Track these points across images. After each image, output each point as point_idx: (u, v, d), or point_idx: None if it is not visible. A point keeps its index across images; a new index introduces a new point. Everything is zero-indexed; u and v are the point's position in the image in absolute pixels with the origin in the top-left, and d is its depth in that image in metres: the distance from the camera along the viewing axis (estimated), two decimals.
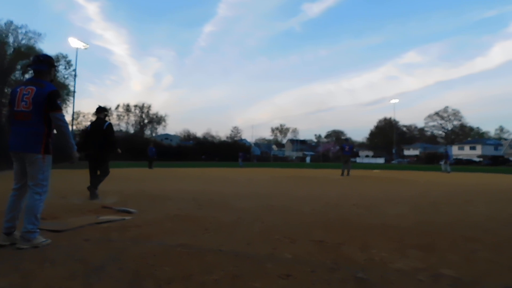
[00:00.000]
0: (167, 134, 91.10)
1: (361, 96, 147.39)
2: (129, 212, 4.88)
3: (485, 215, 5.22)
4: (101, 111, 7.10)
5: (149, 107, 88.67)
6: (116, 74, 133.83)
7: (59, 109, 3.20)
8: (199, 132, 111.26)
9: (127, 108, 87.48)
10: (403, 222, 4.48)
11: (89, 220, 4.23)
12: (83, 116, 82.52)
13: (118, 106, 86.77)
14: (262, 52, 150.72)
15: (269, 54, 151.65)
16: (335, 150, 17.85)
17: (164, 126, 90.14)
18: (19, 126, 3.13)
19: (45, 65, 3.33)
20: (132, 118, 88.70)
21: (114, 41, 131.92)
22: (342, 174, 16.11)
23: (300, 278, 2.31)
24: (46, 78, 3.31)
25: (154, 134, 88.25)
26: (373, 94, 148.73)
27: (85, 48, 35.79)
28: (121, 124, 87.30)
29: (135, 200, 6.37)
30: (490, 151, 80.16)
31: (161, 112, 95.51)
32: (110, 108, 11.73)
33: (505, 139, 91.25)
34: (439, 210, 5.73)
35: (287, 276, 2.34)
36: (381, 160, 77.54)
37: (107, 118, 7.20)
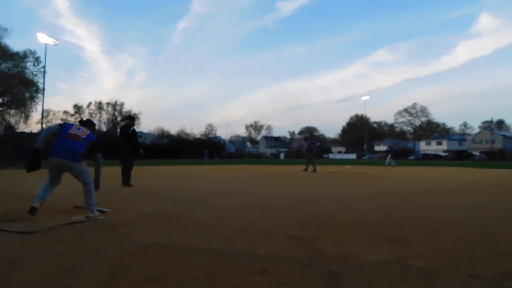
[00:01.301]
0: (140, 132, 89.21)
1: (334, 93, 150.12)
2: (102, 212, 4.77)
3: (451, 208, 5.45)
4: (130, 118, 9.26)
5: (122, 104, 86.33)
6: (88, 71, 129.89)
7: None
8: (173, 129, 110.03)
9: (99, 106, 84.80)
10: (374, 216, 4.62)
11: (61, 221, 4.11)
12: (53, 114, 79.62)
13: (90, 103, 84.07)
14: (237, 49, 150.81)
15: (244, 52, 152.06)
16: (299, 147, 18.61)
17: (138, 124, 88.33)
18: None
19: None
20: (105, 116, 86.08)
21: (86, 37, 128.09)
22: (306, 170, 16.81)
23: (275, 273, 2.34)
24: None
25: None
26: (345, 91, 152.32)
27: (55, 44, 34.42)
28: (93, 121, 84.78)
29: (108, 199, 6.23)
30: (455, 146, 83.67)
31: (135, 110, 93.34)
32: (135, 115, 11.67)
33: (469, 135, 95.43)
34: (408, 204, 5.93)
35: (263, 272, 2.37)
36: (353, 156, 79.16)
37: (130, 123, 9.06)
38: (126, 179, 8.70)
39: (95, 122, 5.63)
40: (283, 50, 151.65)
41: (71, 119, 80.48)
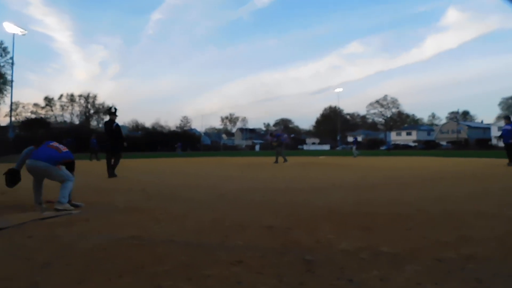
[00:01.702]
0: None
1: (308, 85, 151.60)
2: (76, 206, 4.67)
3: (418, 195, 5.67)
4: (111, 114, 9.51)
5: (94, 97, 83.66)
6: (58, 62, 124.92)
7: None
8: (147, 122, 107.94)
9: (71, 98, 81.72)
10: (346, 205, 4.75)
11: (32, 216, 3.98)
12: (23, 107, 76.31)
13: (61, 96, 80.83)
14: (211, 41, 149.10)
15: (218, 43, 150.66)
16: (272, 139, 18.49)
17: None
18: None
19: None
20: (77, 109, 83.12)
21: (56, 27, 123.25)
22: (276, 161, 16.96)
23: (250, 263, 2.38)
24: None
25: (100, 125, 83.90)
26: (319, 83, 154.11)
27: (23, 34, 32.94)
28: (65, 115, 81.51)
29: (81, 193, 6.08)
30: (424, 136, 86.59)
31: (108, 102, 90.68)
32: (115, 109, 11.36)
33: (436, 125, 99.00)
34: (378, 192, 6.12)
35: (238, 262, 2.40)
36: (326, 147, 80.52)
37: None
38: (111, 171, 9.21)
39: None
40: (257, 42, 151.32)
41: (41, 112, 77.58)
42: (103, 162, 15.17)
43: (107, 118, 9.82)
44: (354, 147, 26.75)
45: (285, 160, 16.90)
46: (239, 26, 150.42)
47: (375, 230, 3.32)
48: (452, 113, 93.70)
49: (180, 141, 46.72)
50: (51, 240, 3.01)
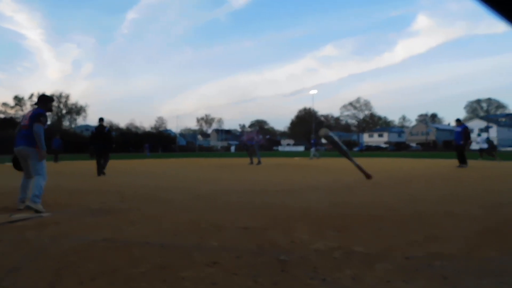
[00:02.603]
0: (87, 125, 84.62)
1: (283, 86, 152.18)
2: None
3: (390, 195, 5.84)
4: (102, 120, 11.21)
5: (67, 96, 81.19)
6: (29, 61, 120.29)
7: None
8: (122, 123, 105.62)
9: None
10: (321, 206, 4.83)
11: (1, 219, 3.84)
12: None
13: (32, 95, 77.65)
14: (187, 41, 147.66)
15: (194, 44, 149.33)
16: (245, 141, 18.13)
17: (85, 116, 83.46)
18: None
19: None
20: None
21: (27, 24, 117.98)
22: (251, 163, 16.95)
23: (226, 264, 2.39)
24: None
25: (73, 125, 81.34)
26: (294, 85, 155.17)
27: None
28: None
29: (51, 195, 5.91)
30: (395, 138, 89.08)
31: (81, 102, 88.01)
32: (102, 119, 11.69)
33: (407, 127, 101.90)
34: (351, 193, 6.26)
35: (213, 263, 2.41)
36: (301, 148, 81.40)
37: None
38: (100, 170, 10.58)
39: (49, 95, 5.56)
40: (234, 43, 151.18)
41: (11, 112, 74.52)
42: (64, 163, 15.66)
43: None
44: (313, 149, 26.48)
45: (259, 162, 16.77)
46: (215, 27, 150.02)
47: (348, 231, 3.40)
48: (422, 115, 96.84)
49: (154, 142, 46.05)
50: (21, 244, 2.92)
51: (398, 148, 66.44)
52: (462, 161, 13.20)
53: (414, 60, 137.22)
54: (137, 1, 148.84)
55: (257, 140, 17.64)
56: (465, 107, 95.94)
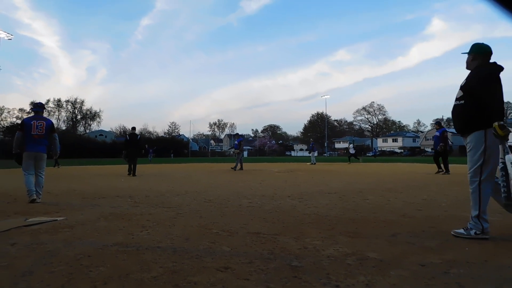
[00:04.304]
0: (101, 130, 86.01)
1: (296, 91, 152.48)
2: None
3: (403, 201, 5.75)
4: (134, 129, 13.85)
5: (82, 102, 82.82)
6: (45, 67, 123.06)
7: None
8: (136, 128, 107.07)
9: (58, 104, 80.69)
10: (333, 211, 4.78)
11: (16, 223, 3.91)
12: (8, 112, 75.06)
13: (48, 101, 79.55)
14: (199, 46, 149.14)
15: (207, 49, 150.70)
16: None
17: (99, 122, 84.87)
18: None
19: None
20: (64, 114, 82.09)
21: (43, 31, 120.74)
22: (234, 168, 16.74)
23: (237, 269, 2.38)
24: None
25: (88, 131, 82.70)
26: (307, 89, 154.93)
27: (9, 39, 32.44)
28: (52, 120, 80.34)
29: (65, 200, 6.01)
30: (409, 142, 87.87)
31: (95, 108, 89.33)
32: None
33: (422, 132, 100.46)
34: (364, 198, 6.18)
35: (225, 268, 2.40)
36: (314, 153, 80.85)
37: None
38: (134, 171, 12.73)
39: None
40: (246, 48, 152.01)
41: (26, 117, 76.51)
42: (64, 168, 16.66)
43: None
44: (313, 154, 26.24)
45: (239, 168, 16.64)
46: (228, 32, 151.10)
47: (361, 236, 3.36)
48: (437, 119, 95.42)
49: (166, 147, 46.33)
50: (35, 247, 2.96)
51: (413, 153, 65.54)
52: (439, 166, 12.85)
53: (429, 63, 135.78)
54: (151, 7, 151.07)
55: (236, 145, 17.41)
56: None
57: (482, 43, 3.47)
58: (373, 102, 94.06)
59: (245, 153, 76.68)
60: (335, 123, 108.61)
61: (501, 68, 3.34)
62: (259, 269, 2.40)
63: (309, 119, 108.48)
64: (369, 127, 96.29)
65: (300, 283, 2.14)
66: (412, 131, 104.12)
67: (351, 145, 27.92)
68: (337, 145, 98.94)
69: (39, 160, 5.95)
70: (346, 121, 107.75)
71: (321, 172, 15.12)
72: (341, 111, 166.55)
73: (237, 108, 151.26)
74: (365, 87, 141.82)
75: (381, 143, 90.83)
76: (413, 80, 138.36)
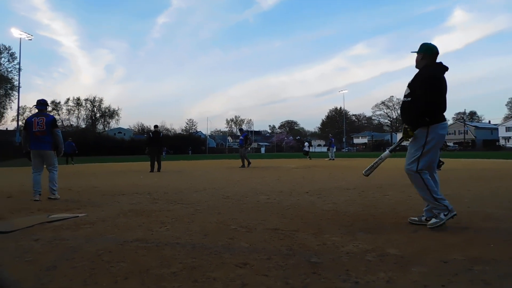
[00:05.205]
0: (120, 128, 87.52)
1: (313, 87, 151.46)
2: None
3: None
4: (157, 127, 14.38)
5: (100, 100, 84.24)
6: (65, 67, 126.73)
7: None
8: (153, 125, 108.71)
9: (78, 102, 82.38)
10: (352, 207, 4.73)
11: (39, 220, 4.03)
12: (29, 111, 77.20)
13: (67, 100, 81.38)
14: (216, 43, 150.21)
15: (223, 46, 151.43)
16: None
17: (117, 120, 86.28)
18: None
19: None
20: (83, 112, 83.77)
21: (62, 31, 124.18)
22: (245, 165, 15.93)
23: (256, 265, 2.38)
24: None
25: (106, 129, 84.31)
26: (324, 85, 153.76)
27: (29, 39, 33.36)
28: (72, 118, 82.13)
29: (86, 196, 6.15)
30: None
31: (114, 106, 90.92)
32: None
33: None
34: (384, 193, 6.08)
35: (244, 264, 2.40)
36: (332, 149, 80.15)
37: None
38: (159, 167, 13.41)
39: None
40: (263, 44, 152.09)
41: None
42: (84, 166, 17.25)
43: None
44: (333, 149, 25.99)
45: (249, 164, 16.00)
46: (244, 29, 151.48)
47: (381, 232, 3.31)
48: (459, 113, 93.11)
49: (184, 144, 46.75)
50: (57, 243, 3.03)
51: None
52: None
53: (450, 56, 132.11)
54: (168, 5, 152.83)
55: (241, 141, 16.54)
56: (507, 104, 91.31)
57: (430, 43, 3.66)
58: (392, 96, 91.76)
59: (262, 149, 76.66)
60: (354, 118, 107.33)
61: (445, 68, 3.58)
62: (278, 265, 2.39)
63: (326, 114, 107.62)
64: (389, 121, 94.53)
65: (319, 280, 2.12)
66: None
67: (306, 143, 30.19)
68: (355, 140, 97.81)
69: (44, 157, 5.92)
70: (365, 116, 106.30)
71: (339, 168, 14.98)
72: (359, 105, 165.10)
73: (254, 105, 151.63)
74: (384, 81, 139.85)
75: None
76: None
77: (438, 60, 3.63)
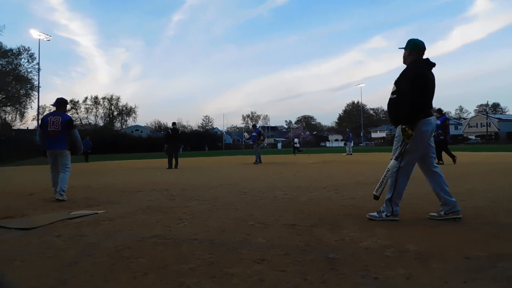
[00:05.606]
0: (137, 126, 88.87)
1: (330, 81, 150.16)
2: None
3: None
4: (175, 124, 14.49)
5: (118, 98, 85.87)
6: (82, 66, 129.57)
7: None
8: (170, 122, 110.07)
9: (95, 101, 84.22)
10: (371, 202, 4.64)
11: (60, 216, 4.13)
12: (49, 111, 79.16)
13: (86, 98, 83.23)
14: (230, 40, 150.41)
15: (238, 42, 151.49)
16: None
17: (134, 117, 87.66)
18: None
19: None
20: (101, 111, 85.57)
21: (80, 31, 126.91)
22: (256, 162, 15.64)
23: (274, 261, 2.37)
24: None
25: (124, 126, 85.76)
26: (341, 79, 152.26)
27: (48, 40, 34.17)
28: (90, 117, 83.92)
29: (105, 193, 6.26)
30: (451, 130, 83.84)
31: (131, 104, 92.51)
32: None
33: (464, 119, 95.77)
34: None
35: (261, 260, 2.40)
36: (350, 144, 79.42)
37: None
38: (176, 164, 13.68)
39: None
40: (278, 40, 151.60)
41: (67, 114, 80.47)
42: (93, 163, 17.88)
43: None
44: (350, 143, 25.75)
45: (259, 161, 15.69)
46: (258, 24, 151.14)
47: (400, 228, 3.26)
48: (481, 105, 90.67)
49: (210, 140, 47.13)
50: (78, 239, 3.10)
51: (455, 141, 62.75)
52: (452, 156, 11.89)
53: (471, 47, 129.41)
54: (182, 2, 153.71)
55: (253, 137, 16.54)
56: None
57: (417, 39, 3.65)
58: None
59: (279, 145, 76.48)
60: (371, 112, 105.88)
61: (432, 64, 3.60)
62: (296, 261, 2.38)
63: (344, 108, 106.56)
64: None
65: (337, 275, 2.10)
66: (454, 118, 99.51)
67: (296, 139, 31.54)
68: (373, 135, 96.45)
69: (57, 156, 5.77)
70: (383, 110, 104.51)
71: (357, 163, 14.82)
72: (377, 99, 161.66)
73: (270, 100, 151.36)
74: None
75: None
76: (455, 65, 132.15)
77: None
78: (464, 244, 2.68)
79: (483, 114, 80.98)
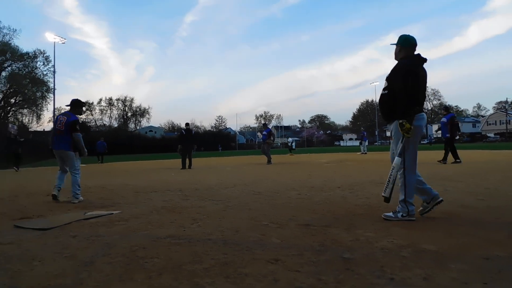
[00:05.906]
0: (151, 126, 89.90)
1: (344, 80, 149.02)
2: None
3: (463, 190, 5.40)
4: (188, 125, 14.58)
5: (131, 100, 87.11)
6: (97, 68, 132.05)
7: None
8: (183, 123, 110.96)
9: (110, 102, 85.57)
10: (385, 202, 4.59)
11: (76, 217, 4.20)
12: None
13: (100, 100, 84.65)
14: (243, 39, 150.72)
15: (251, 42, 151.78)
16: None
17: (148, 118, 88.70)
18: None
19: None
20: (115, 112, 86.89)
21: (94, 34, 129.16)
22: (269, 161, 15.21)
23: (288, 262, 2.36)
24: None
25: (138, 127, 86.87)
26: (355, 77, 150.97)
27: (63, 43, 34.86)
28: (104, 118, 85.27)
29: (120, 194, 6.34)
30: (469, 128, 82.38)
31: (145, 105, 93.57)
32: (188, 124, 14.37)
33: (482, 116, 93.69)
34: None
35: (275, 260, 2.39)
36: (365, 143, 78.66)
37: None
38: (190, 164, 13.86)
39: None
40: (291, 38, 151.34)
41: (82, 116, 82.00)
42: (116, 164, 17.94)
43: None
44: (365, 142, 25.43)
45: (269, 161, 15.16)
46: (271, 23, 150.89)
47: (416, 228, 3.20)
48: (500, 103, 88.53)
49: (223, 141, 47.43)
50: (94, 239, 3.14)
51: (473, 139, 61.46)
52: (456, 156, 11.57)
53: (490, 42, 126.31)
54: (195, 3, 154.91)
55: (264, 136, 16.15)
56: None
57: (408, 35, 3.67)
58: (427, 86, 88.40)
59: (293, 145, 76.32)
60: None
61: (423, 60, 3.58)
62: (310, 261, 2.36)
63: (358, 107, 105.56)
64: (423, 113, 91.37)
65: (352, 276, 2.08)
66: (472, 116, 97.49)
67: (290, 139, 32.10)
68: (388, 134, 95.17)
69: (64, 158, 5.80)
70: None
71: (372, 162, 14.66)
72: None
73: (283, 100, 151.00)
74: None
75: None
76: (472, 61, 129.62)
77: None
78: (484, 244, 2.61)
79: (502, 111, 79.07)
